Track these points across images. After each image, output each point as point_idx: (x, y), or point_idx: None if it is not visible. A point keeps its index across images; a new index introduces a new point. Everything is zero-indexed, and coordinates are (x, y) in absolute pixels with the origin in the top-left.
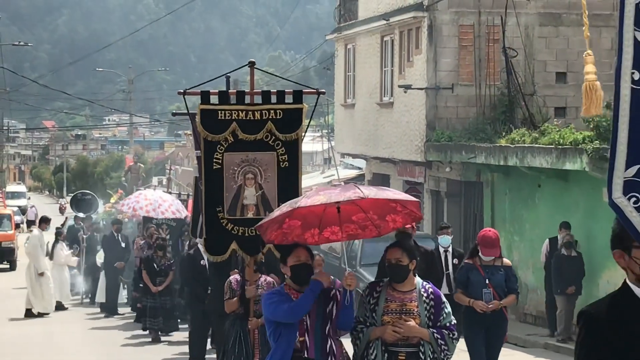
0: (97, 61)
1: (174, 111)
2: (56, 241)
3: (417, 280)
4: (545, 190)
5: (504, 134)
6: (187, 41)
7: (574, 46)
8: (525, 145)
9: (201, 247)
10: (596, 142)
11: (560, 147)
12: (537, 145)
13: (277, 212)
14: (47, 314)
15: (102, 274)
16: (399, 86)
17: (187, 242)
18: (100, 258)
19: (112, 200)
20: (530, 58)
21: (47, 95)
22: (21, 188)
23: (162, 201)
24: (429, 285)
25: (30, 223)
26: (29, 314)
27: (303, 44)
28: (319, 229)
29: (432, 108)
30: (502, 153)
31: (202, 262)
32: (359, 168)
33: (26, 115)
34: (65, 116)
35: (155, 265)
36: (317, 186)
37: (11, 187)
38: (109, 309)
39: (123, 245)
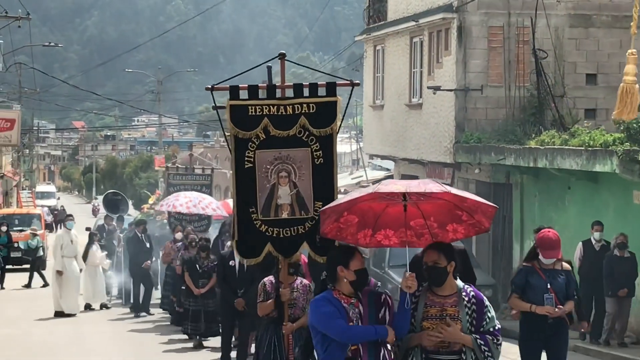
0: (126, 62)
1: (214, 105)
2: (91, 242)
3: (458, 283)
4: (575, 193)
5: (533, 135)
6: (216, 42)
7: (604, 48)
8: (555, 147)
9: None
10: (626, 144)
11: (590, 149)
12: (567, 147)
13: (356, 194)
14: (71, 314)
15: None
16: (428, 87)
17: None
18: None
19: (150, 201)
20: (560, 59)
21: (77, 95)
22: (51, 188)
23: (202, 198)
24: (471, 289)
25: (58, 223)
26: (58, 314)
27: (332, 45)
28: (372, 230)
29: (461, 109)
30: (531, 155)
31: (231, 262)
32: (387, 169)
33: (56, 116)
34: (94, 117)
35: (198, 266)
36: (345, 188)
37: (41, 187)
38: (137, 308)
39: (147, 245)
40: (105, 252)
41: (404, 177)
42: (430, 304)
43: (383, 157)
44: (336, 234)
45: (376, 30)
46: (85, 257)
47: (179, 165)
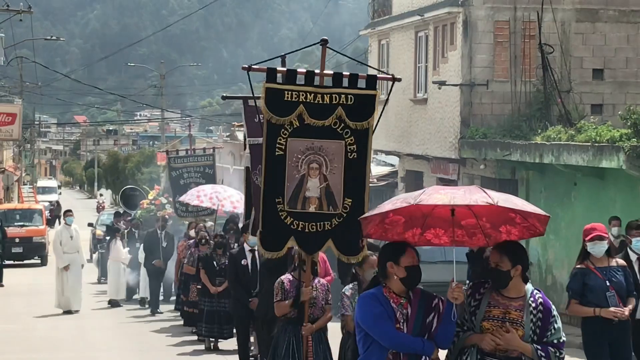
0: (128, 56)
1: (224, 94)
2: (113, 238)
3: (528, 287)
4: (582, 189)
5: (539, 131)
6: (219, 36)
7: (611, 42)
8: (561, 142)
9: (247, 246)
10: (633, 139)
11: (596, 144)
12: (573, 143)
13: (388, 206)
14: (71, 311)
15: (142, 270)
16: (433, 82)
17: (232, 240)
18: (142, 253)
19: (150, 197)
20: (567, 54)
21: (79, 90)
22: (52, 183)
23: (223, 191)
24: (539, 294)
25: (54, 219)
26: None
27: (336, 40)
28: (421, 229)
29: (467, 104)
30: (537, 150)
31: (242, 261)
32: (392, 165)
33: (57, 110)
34: (96, 111)
35: (215, 264)
36: None
37: (42, 182)
38: (154, 306)
39: (164, 244)
40: (128, 248)
41: (409, 172)
42: (493, 304)
43: (387, 153)
44: (381, 234)
45: (381, 25)
46: (107, 252)
47: (179, 149)
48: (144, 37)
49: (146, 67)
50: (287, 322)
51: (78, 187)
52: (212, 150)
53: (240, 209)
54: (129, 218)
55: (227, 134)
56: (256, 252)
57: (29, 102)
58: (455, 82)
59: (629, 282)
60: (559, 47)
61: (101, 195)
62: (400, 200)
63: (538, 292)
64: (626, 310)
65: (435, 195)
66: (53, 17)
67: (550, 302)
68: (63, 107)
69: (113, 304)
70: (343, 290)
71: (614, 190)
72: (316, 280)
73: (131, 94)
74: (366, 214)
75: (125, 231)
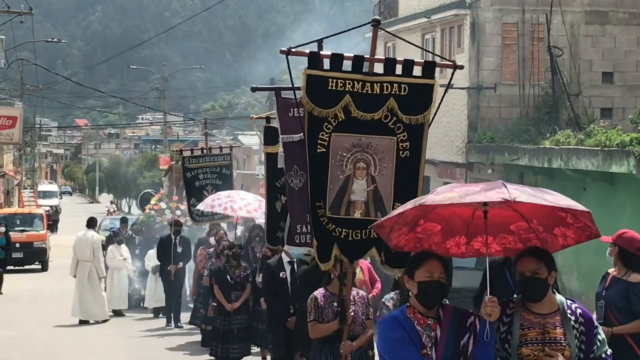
0: (130, 58)
1: (254, 86)
2: (110, 243)
3: (559, 298)
4: (591, 194)
5: (548, 135)
6: (222, 38)
7: (620, 45)
8: (570, 147)
9: (285, 257)
10: None
11: (606, 149)
12: (582, 147)
13: (399, 209)
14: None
15: (149, 277)
16: (440, 85)
17: (258, 249)
18: (148, 260)
19: (153, 202)
20: (576, 57)
21: (80, 93)
22: (53, 187)
23: (240, 199)
24: (576, 305)
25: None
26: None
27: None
28: (466, 237)
29: (474, 108)
30: (546, 155)
31: (281, 274)
32: None
33: (58, 113)
34: (98, 114)
35: (229, 277)
36: None
37: (43, 187)
38: (170, 317)
39: (179, 250)
40: (123, 257)
41: None
42: (527, 325)
43: None
44: (415, 245)
45: (387, 27)
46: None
47: (194, 148)
48: (146, 39)
49: (148, 70)
50: (324, 340)
51: (78, 192)
52: (229, 149)
53: (257, 216)
54: (132, 223)
55: (231, 137)
56: (295, 265)
57: (30, 105)
58: (462, 86)
59: (633, 302)
60: (568, 49)
61: (112, 202)
62: (410, 202)
63: (572, 301)
64: (615, 329)
65: (446, 194)
66: (54, 19)
67: (589, 312)
68: (64, 110)
69: (116, 313)
70: (383, 300)
71: (624, 195)
72: (355, 292)
73: (133, 97)
74: (382, 220)
75: (125, 236)
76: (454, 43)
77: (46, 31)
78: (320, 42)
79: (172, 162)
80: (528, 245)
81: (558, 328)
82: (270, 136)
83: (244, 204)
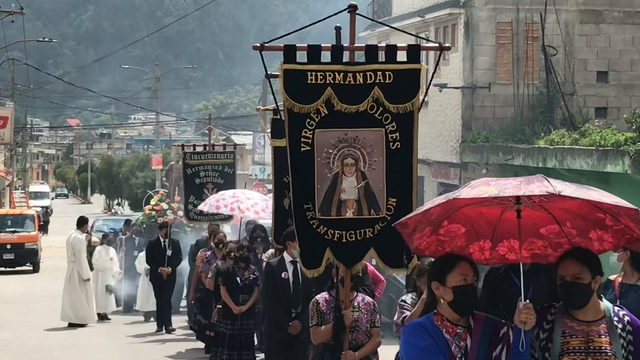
0: (122, 58)
1: (269, 73)
2: (99, 244)
3: (606, 304)
4: None
5: (542, 134)
6: (215, 38)
7: (615, 44)
8: (565, 146)
9: (287, 256)
10: (639, 143)
11: (601, 148)
12: (577, 147)
13: (427, 205)
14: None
15: (141, 280)
16: (434, 85)
17: (260, 250)
18: (139, 263)
19: (153, 202)
20: (571, 56)
21: (72, 92)
22: (44, 188)
23: (246, 198)
24: (623, 312)
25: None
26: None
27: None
28: (491, 241)
29: (468, 108)
30: (540, 154)
31: (283, 274)
32: None
33: (50, 113)
34: (89, 114)
35: (238, 279)
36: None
37: (34, 187)
38: (162, 323)
39: (169, 253)
40: (111, 257)
41: None
42: (569, 333)
43: None
44: (436, 249)
45: (380, 26)
46: (91, 260)
47: (197, 144)
48: (138, 39)
49: (140, 70)
50: (324, 349)
51: (71, 192)
52: (233, 147)
53: (265, 216)
54: (132, 224)
55: (224, 137)
56: (298, 265)
57: (21, 105)
58: (456, 85)
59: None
60: (562, 49)
61: (118, 204)
62: (442, 197)
63: (620, 308)
64: None
65: (482, 187)
66: (45, 18)
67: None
68: (55, 110)
69: (100, 317)
70: (402, 298)
71: (618, 195)
72: (359, 298)
73: (125, 97)
74: (405, 219)
75: (124, 237)
76: (448, 42)
77: (37, 30)
78: (294, 32)
79: (172, 163)
80: (561, 251)
81: (603, 337)
82: (278, 129)
83: (251, 204)
